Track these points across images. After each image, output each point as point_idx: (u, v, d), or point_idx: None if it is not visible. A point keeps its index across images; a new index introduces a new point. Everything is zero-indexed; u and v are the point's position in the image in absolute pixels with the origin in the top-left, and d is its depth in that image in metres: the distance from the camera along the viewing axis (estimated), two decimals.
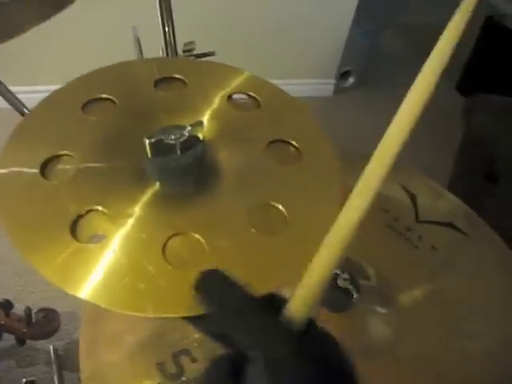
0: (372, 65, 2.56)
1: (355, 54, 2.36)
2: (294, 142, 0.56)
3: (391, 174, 0.85)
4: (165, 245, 0.45)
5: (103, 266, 0.44)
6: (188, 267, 0.44)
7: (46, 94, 0.57)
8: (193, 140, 0.50)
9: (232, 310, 0.35)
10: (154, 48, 0.91)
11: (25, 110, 0.83)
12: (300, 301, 0.35)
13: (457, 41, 0.32)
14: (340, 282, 0.67)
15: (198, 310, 0.39)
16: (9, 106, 0.94)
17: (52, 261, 0.44)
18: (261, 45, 2.13)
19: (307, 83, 2.29)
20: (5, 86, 0.81)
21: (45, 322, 1.34)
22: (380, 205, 0.85)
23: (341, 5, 2.13)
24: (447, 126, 1.94)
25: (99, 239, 0.46)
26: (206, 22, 1.91)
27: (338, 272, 0.67)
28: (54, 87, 0.57)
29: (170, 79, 0.61)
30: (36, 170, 0.50)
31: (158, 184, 0.51)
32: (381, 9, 2.35)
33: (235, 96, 0.60)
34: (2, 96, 0.81)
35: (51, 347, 1.40)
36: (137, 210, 0.48)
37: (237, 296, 0.36)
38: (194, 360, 0.67)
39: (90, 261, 0.44)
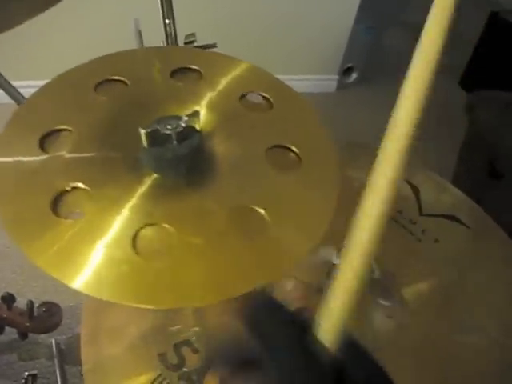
0: (375, 61, 2.55)
1: (358, 50, 2.35)
2: (295, 149, 0.55)
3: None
4: (136, 233, 0.45)
5: (72, 243, 0.44)
6: (154, 258, 0.44)
7: None
8: (190, 130, 0.50)
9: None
10: (155, 40, 0.91)
11: (23, 100, 0.83)
12: (332, 321, 0.32)
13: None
14: None
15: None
16: (8, 101, 0.94)
17: (32, 236, 0.45)
18: (263, 40, 2.12)
19: (310, 79, 2.28)
20: (5, 79, 0.81)
21: (47, 316, 1.34)
22: None
23: (344, 1, 2.12)
24: (450, 122, 1.94)
25: (76, 216, 0.46)
26: (208, 15, 1.91)
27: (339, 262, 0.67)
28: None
29: (187, 70, 0.61)
30: (35, 140, 0.50)
31: (152, 174, 0.51)
32: (384, 4, 2.34)
33: (249, 95, 0.59)
34: (3, 89, 0.80)
35: (53, 341, 1.41)
36: (121, 194, 0.48)
37: (287, 335, 0.33)
38: (195, 351, 0.67)
39: (67, 240, 0.45)
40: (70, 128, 0.52)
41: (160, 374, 0.64)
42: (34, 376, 1.23)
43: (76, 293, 1.28)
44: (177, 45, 0.87)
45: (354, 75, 2.48)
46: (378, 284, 0.73)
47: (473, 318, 0.73)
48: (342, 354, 0.31)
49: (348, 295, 0.31)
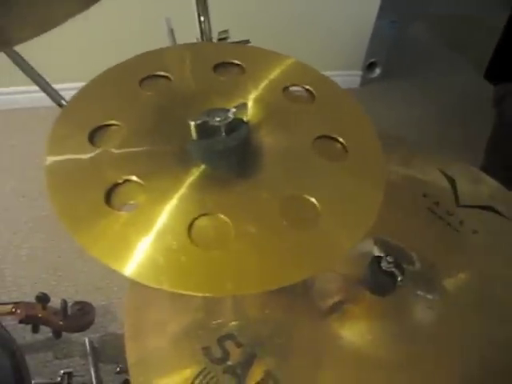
0: (398, 56, 2.54)
1: (381, 45, 2.33)
2: (341, 140, 0.56)
3: (430, 160, 0.84)
4: (192, 223, 0.46)
5: (127, 233, 0.45)
6: (211, 247, 0.45)
7: None
8: (237, 122, 0.51)
9: None
10: (188, 39, 0.91)
11: (63, 101, 0.85)
12: None
13: None
14: (384, 265, 0.66)
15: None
16: (45, 105, 0.96)
17: (87, 227, 0.46)
18: (286, 37, 2.12)
19: (334, 75, 2.25)
20: (46, 82, 0.82)
21: (80, 315, 1.36)
22: (421, 189, 0.84)
23: None
24: (477, 116, 1.92)
25: (130, 208, 0.47)
26: (231, 12, 1.91)
27: (382, 255, 0.67)
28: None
29: (229, 64, 0.61)
30: (85, 136, 0.51)
31: (200, 165, 0.51)
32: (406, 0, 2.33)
33: (292, 88, 0.60)
34: (45, 92, 0.82)
35: (86, 340, 1.43)
36: (172, 185, 0.49)
37: None
38: (238, 345, 0.67)
39: (121, 230, 0.46)
40: (118, 123, 0.53)
41: (204, 368, 0.65)
42: (69, 374, 1.25)
43: (107, 292, 1.31)
44: (212, 41, 0.88)
45: (378, 70, 2.47)
46: (418, 275, 0.73)
47: None
48: None
49: None
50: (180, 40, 0.95)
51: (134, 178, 0.49)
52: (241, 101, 0.53)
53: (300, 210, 0.49)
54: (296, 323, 0.70)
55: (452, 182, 0.86)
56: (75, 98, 0.56)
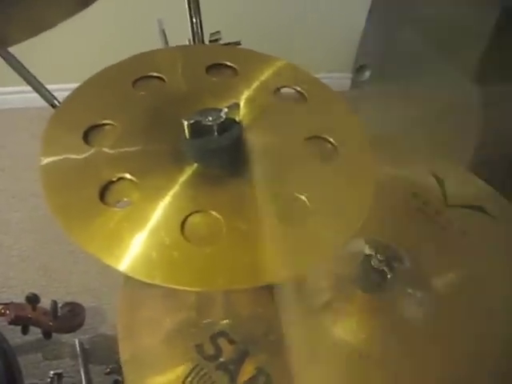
0: (388, 59, 2.56)
1: (371, 48, 2.35)
2: (332, 140, 0.57)
3: (419, 160, 0.85)
4: (185, 219, 0.47)
5: (121, 230, 0.46)
6: (203, 244, 0.46)
7: None
8: (230, 122, 0.52)
9: None
10: (179, 40, 0.92)
11: (55, 102, 0.85)
12: None
13: None
14: (374, 263, 0.67)
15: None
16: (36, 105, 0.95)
17: (82, 224, 0.47)
18: (276, 39, 2.13)
19: (324, 77, 2.26)
20: (39, 82, 0.83)
21: (71, 316, 1.36)
22: (410, 189, 0.86)
23: None
24: (466, 118, 1.93)
25: (124, 205, 0.47)
26: (222, 14, 1.92)
27: (372, 253, 0.68)
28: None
29: (222, 66, 0.62)
30: (79, 136, 0.52)
31: (192, 164, 0.52)
32: (396, 2, 2.35)
33: (284, 89, 0.61)
34: (38, 92, 0.82)
35: (76, 341, 1.43)
36: (165, 183, 0.50)
37: None
38: (231, 342, 0.68)
39: (115, 227, 0.46)
40: (112, 122, 0.54)
41: (197, 365, 0.65)
42: (59, 375, 1.25)
43: (98, 293, 1.31)
44: (203, 43, 0.89)
45: (367, 73, 2.49)
46: (408, 274, 0.74)
47: (501, 308, 0.73)
48: None
49: None
50: (172, 41, 0.96)
51: (127, 175, 0.49)
52: (234, 101, 0.54)
53: (290, 207, 0.50)
54: (288, 321, 0.71)
55: (441, 182, 0.87)
56: (69, 98, 0.56)
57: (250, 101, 0.59)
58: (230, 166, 0.52)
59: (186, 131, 0.49)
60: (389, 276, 0.67)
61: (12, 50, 0.78)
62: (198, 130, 0.50)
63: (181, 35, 0.95)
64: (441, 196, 0.85)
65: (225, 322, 0.70)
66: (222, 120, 0.50)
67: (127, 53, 0.72)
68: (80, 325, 1.37)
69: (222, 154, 0.52)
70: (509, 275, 0.77)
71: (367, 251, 0.69)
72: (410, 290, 0.73)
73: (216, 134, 0.50)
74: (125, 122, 0.54)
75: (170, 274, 0.43)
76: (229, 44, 0.83)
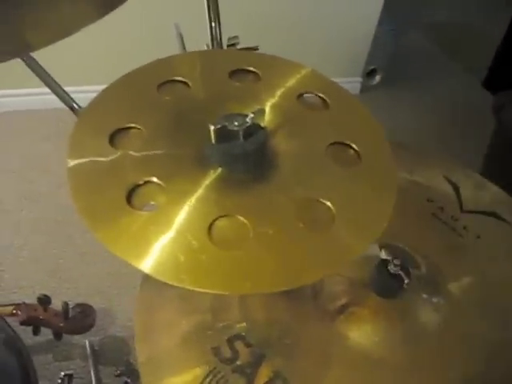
0: (398, 63, 2.57)
1: (381, 52, 2.36)
2: (354, 146, 0.57)
3: (433, 166, 0.86)
4: (212, 223, 0.48)
5: (150, 235, 0.46)
6: (230, 248, 0.46)
7: (92, 94, 0.59)
8: (255, 127, 0.52)
9: None
10: (196, 44, 0.93)
11: (75, 105, 0.86)
12: None
13: None
14: (391, 268, 0.68)
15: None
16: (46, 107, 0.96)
17: (109, 226, 0.47)
18: (287, 43, 2.13)
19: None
20: (55, 82, 0.84)
21: (81, 317, 1.36)
22: (425, 195, 0.86)
23: (367, 3, 2.13)
24: (476, 123, 1.94)
25: (151, 208, 0.48)
26: (234, 17, 1.93)
27: (389, 258, 0.68)
28: (96, 87, 0.60)
29: (245, 71, 0.63)
30: (105, 139, 0.52)
31: (217, 168, 0.53)
32: (407, 7, 2.36)
33: (306, 95, 0.61)
34: (56, 95, 0.83)
35: (87, 342, 1.44)
36: (191, 187, 0.51)
37: None
38: (247, 345, 0.68)
39: (142, 228, 0.47)
40: (137, 126, 0.55)
41: (214, 368, 0.66)
42: (70, 376, 1.25)
43: (108, 295, 1.31)
44: (222, 47, 0.90)
45: (378, 77, 2.49)
46: (423, 279, 0.74)
47: None
48: None
49: None
50: (188, 45, 0.97)
51: (154, 179, 0.50)
52: (257, 106, 0.55)
53: (315, 213, 0.50)
54: (304, 325, 0.71)
55: (456, 187, 0.87)
56: (94, 101, 0.57)
57: (273, 106, 0.59)
58: (254, 171, 0.53)
59: (212, 136, 0.50)
60: (406, 281, 0.67)
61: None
62: (223, 134, 0.50)
63: (197, 39, 0.96)
64: (456, 202, 0.86)
65: (241, 325, 0.70)
66: (248, 125, 0.50)
67: (144, 56, 0.73)
68: (90, 326, 1.38)
69: (246, 159, 0.52)
70: None
71: (384, 256, 0.69)
72: (424, 295, 0.74)
73: (241, 138, 0.51)
74: (150, 126, 0.55)
75: (199, 277, 0.44)
76: (247, 49, 0.83)
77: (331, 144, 0.56)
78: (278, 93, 0.61)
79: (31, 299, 1.32)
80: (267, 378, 0.65)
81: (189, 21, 1.00)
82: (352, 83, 2.42)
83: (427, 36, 2.75)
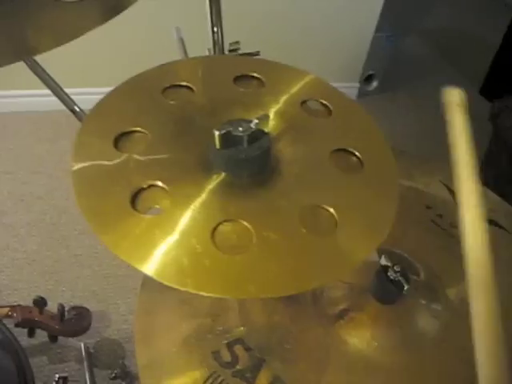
0: (395, 69, 2.58)
1: (379, 58, 2.37)
2: (357, 153, 0.58)
3: (432, 172, 0.86)
4: (215, 228, 0.48)
5: (155, 238, 0.47)
6: (234, 252, 0.46)
7: (92, 96, 0.59)
8: (259, 133, 0.52)
9: None
10: (197, 49, 0.93)
11: (76, 107, 0.86)
12: None
13: None
14: (391, 274, 0.68)
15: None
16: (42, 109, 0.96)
17: (113, 228, 0.47)
18: (285, 49, 2.14)
19: None
20: (57, 85, 0.84)
21: (77, 320, 1.36)
22: (424, 201, 0.86)
23: (365, 9, 2.15)
24: (473, 131, 1.95)
25: (155, 212, 0.48)
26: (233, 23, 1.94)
27: (389, 264, 0.68)
28: (97, 89, 0.60)
29: (249, 77, 0.63)
30: (110, 143, 0.53)
31: (221, 173, 0.53)
32: (404, 13, 2.37)
33: (310, 102, 0.62)
34: (55, 95, 0.83)
35: (82, 345, 1.43)
36: (196, 192, 0.51)
37: None
38: (247, 349, 0.68)
39: (146, 231, 0.47)
40: (142, 130, 0.55)
41: (214, 372, 0.66)
42: (64, 378, 1.24)
43: (103, 298, 1.31)
44: (223, 53, 0.90)
45: (375, 83, 2.51)
46: (423, 285, 0.75)
47: None
48: None
49: None
50: (190, 50, 0.97)
51: (158, 183, 0.50)
52: (261, 112, 0.55)
53: (318, 218, 0.50)
54: (304, 329, 0.71)
55: (454, 194, 0.87)
56: (98, 105, 0.57)
57: (277, 112, 0.60)
58: (257, 176, 0.53)
59: (217, 141, 0.50)
60: (405, 287, 0.67)
61: None
62: (228, 140, 0.51)
63: (198, 44, 0.96)
64: (455, 209, 0.86)
65: (240, 329, 0.70)
66: (252, 131, 0.51)
67: (146, 60, 0.73)
68: (86, 329, 1.38)
69: (250, 165, 0.52)
70: None
71: (383, 262, 0.69)
72: (423, 302, 0.74)
73: (245, 144, 0.51)
74: (154, 130, 0.55)
75: (202, 281, 0.44)
76: (248, 54, 0.84)
77: (334, 151, 0.57)
78: (282, 99, 0.62)
79: (26, 301, 1.32)
80: (267, 382, 0.65)
81: (190, 25, 1.00)
82: (349, 88, 2.43)
83: (424, 42, 2.77)
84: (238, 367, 0.66)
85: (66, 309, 1.33)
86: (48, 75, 0.80)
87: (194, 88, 0.61)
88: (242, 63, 0.67)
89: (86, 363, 1.40)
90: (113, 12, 0.64)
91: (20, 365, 0.87)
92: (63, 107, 0.87)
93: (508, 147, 1.50)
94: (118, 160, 0.52)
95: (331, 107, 0.62)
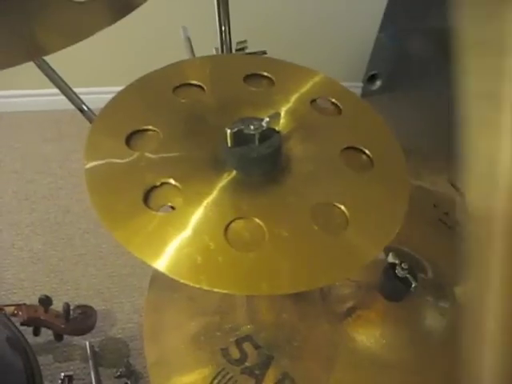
0: (399, 68, 2.58)
1: (382, 58, 2.37)
2: (367, 151, 0.58)
3: (439, 171, 0.86)
4: (228, 225, 0.48)
5: (167, 235, 0.47)
6: (247, 249, 0.47)
7: (100, 96, 0.60)
8: (270, 131, 0.53)
9: None
10: (204, 48, 0.93)
11: (84, 107, 0.86)
12: None
13: None
14: (398, 272, 0.68)
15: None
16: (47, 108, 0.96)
17: (125, 225, 0.48)
18: (287, 49, 2.15)
19: None
20: (66, 84, 0.84)
21: (82, 319, 1.37)
22: (431, 200, 0.87)
23: (368, 8, 2.15)
24: None
25: (168, 210, 0.49)
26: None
27: (396, 262, 0.68)
28: (105, 89, 0.60)
29: (259, 76, 0.64)
30: (122, 141, 0.53)
31: (232, 171, 0.54)
32: (408, 12, 2.37)
33: (319, 100, 0.62)
34: (64, 94, 0.84)
35: (87, 343, 1.43)
36: (208, 189, 0.51)
37: None
38: (256, 346, 0.68)
39: (159, 230, 0.47)
40: (154, 128, 0.55)
41: (223, 369, 0.66)
42: (70, 377, 1.25)
43: (108, 296, 1.31)
44: (231, 51, 0.90)
45: (378, 83, 2.51)
46: (430, 283, 0.75)
47: None
48: None
49: None
50: (197, 49, 0.98)
51: (171, 181, 0.50)
52: (271, 111, 0.55)
53: (329, 216, 0.51)
54: (312, 327, 0.72)
55: (461, 192, 0.88)
56: (110, 103, 0.58)
57: (287, 111, 0.60)
58: (268, 174, 0.54)
59: (229, 139, 0.51)
60: (413, 285, 0.67)
61: None
62: (239, 138, 0.51)
63: (205, 43, 0.97)
64: (460, 207, 0.87)
65: (249, 326, 0.71)
66: (264, 129, 0.51)
67: (153, 59, 0.74)
68: (91, 327, 1.38)
69: (261, 163, 0.53)
70: None
71: (391, 259, 0.70)
72: (431, 299, 0.74)
73: (257, 142, 0.51)
74: (166, 128, 0.56)
75: (216, 278, 0.44)
76: (256, 53, 0.84)
77: (344, 149, 0.57)
78: (292, 98, 0.62)
79: (31, 300, 1.32)
80: (275, 379, 0.66)
81: (197, 24, 1.01)
82: (353, 88, 2.43)
83: (428, 42, 2.76)
84: (246, 364, 0.67)
85: (71, 307, 1.33)
86: (57, 74, 0.81)
87: (205, 87, 0.61)
88: (251, 62, 0.68)
89: (91, 362, 1.41)
90: (122, 12, 0.64)
91: (28, 363, 0.88)
92: (68, 107, 0.88)
93: None
94: (131, 158, 0.52)
95: (341, 106, 0.62)
